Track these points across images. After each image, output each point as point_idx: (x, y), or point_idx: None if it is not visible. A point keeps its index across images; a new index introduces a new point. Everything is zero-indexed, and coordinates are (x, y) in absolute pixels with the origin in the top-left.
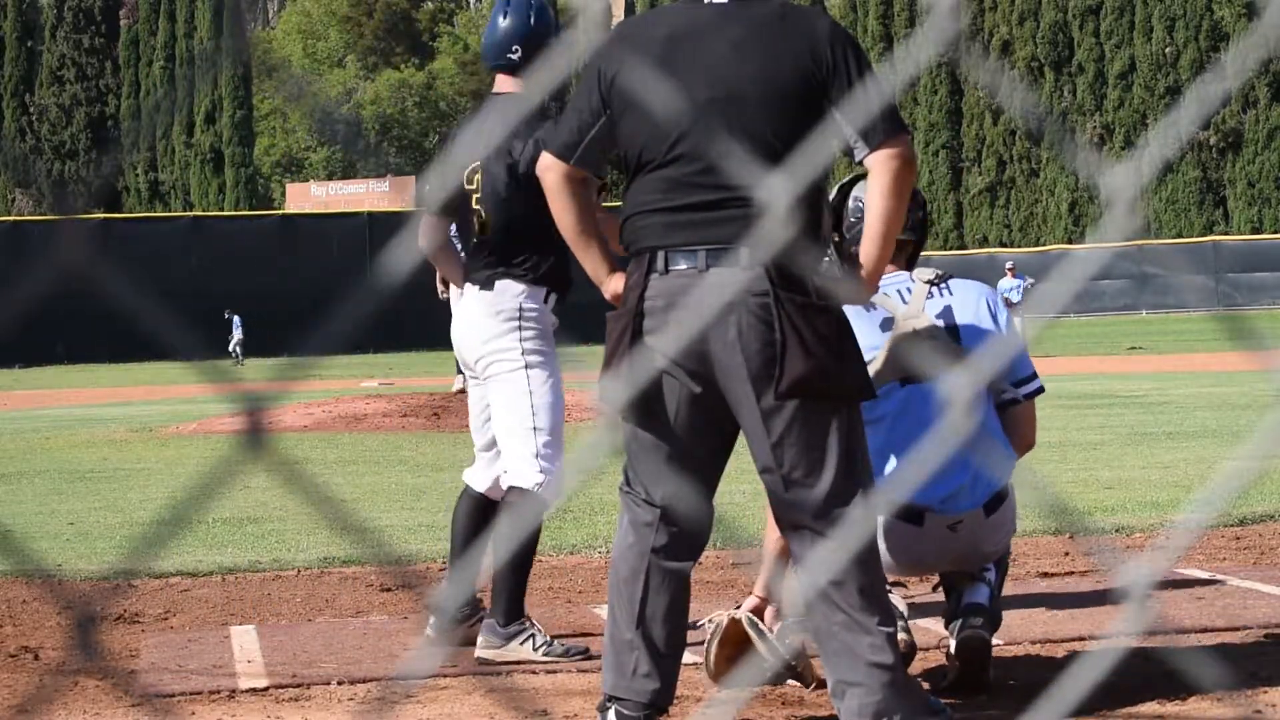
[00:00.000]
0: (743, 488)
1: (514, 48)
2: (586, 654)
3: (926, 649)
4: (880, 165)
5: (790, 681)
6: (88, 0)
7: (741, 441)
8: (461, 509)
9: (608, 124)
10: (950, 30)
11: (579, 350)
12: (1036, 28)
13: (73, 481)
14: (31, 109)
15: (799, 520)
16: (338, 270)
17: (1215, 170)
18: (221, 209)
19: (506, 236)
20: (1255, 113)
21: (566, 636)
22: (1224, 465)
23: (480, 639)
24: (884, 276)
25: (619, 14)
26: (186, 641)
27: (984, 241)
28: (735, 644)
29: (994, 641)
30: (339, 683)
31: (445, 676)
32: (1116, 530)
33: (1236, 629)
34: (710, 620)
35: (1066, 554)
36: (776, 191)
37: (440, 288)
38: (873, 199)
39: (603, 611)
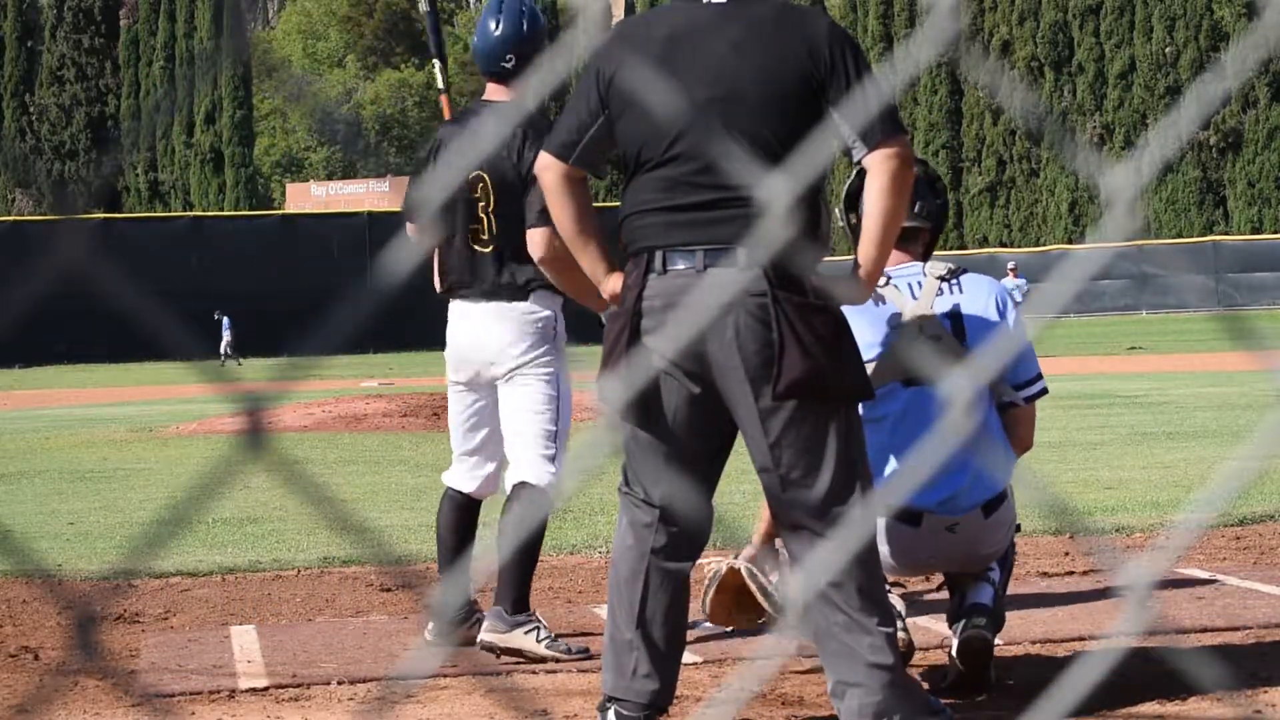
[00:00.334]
0: (743, 488)
1: (508, 56)
2: (586, 654)
3: (926, 649)
4: (879, 165)
5: (790, 679)
6: (88, 0)
7: (741, 441)
8: (446, 513)
9: (606, 123)
10: (950, 30)
11: (579, 350)
12: (1036, 28)
13: (73, 481)
14: (31, 109)
15: (798, 520)
16: (338, 270)
17: (1215, 170)
18: (221, 209)
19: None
20: (1255, 113)
21: (567, 636)
22: (1224, 465)
23: (485, 624)
24: (897, 267)
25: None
26: (186, 641)
27: (984, 241)
28: (732, 592)
29: (995, 641)
30: (339, 683)
31: (445, 676)
32: (1116, 530)
33: (1236, 629)
34: (709, 563)
35: (1066, 554)
36: (775, 191)
37: (439, 284)
38: (871, 199)
39: (603, 611)
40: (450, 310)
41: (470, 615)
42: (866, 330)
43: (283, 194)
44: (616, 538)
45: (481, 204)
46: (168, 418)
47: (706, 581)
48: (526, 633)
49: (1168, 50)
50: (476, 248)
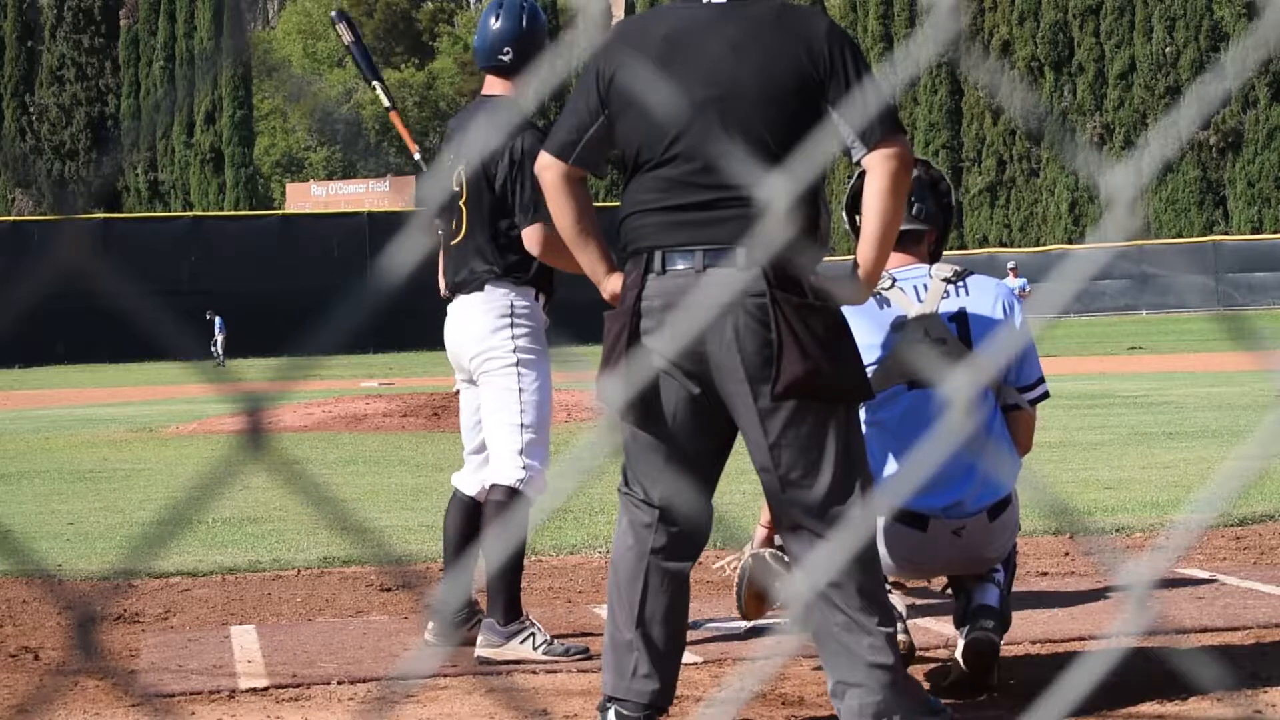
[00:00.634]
0: (743, 488)
1: (505, 49)
2: (586, 654)
3: (927, 649)
4: (878, 165)
5: (790, 679)
6: (88, 0)
7: (741, 441)
8: (452, 514)
9: (606, 123)
10: (950, 30)
11: (578, 350)
12: (1036, 28)
13: (73, 481)
14: (31, 109)
15: (797, 520)
16: (338, 270)
17: (1215, 170)
18: (221, 209)
19: (493, 239)
20: (1255, 113)
21: (566, 636)
22: (1224, 465)
23: (480, 638)
24: (902, 269)
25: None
26: (186, 641)
27: (984, 241)
28: (762, 580)
29: (1001, 643)
30: (339, 683)
31: (445, 676)
32: (1116, 530)
33: (1236, 629)
34: (729, 563)
35: (1066, 554)
36: (775, 192)
37: (443, 286)
38: (870, 199)
39: (603, 611)
40: None
41: (471, 616)
42: (872, 332)
43: (283, 194)
44: (616, 538)
45: (460, 199)
46: (168, 418)
47: (736, 582)
48: (522, 641)
49: (1168, 50)
50: (454, 243)
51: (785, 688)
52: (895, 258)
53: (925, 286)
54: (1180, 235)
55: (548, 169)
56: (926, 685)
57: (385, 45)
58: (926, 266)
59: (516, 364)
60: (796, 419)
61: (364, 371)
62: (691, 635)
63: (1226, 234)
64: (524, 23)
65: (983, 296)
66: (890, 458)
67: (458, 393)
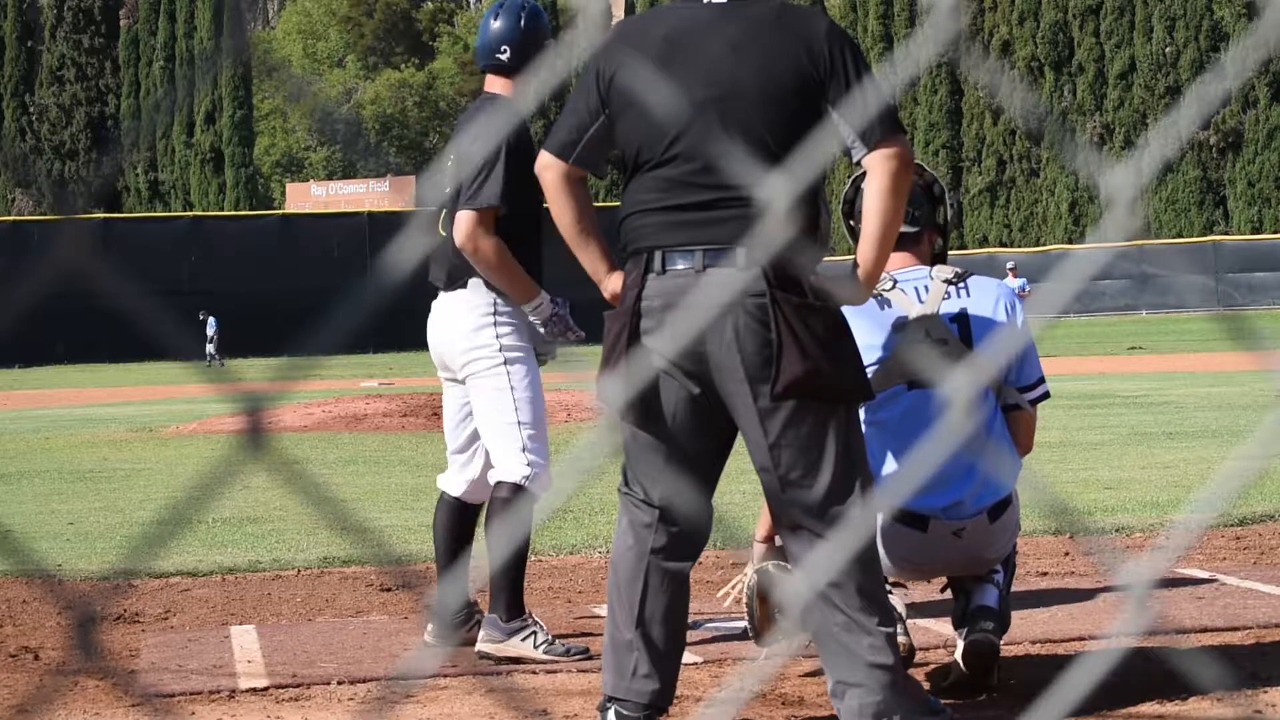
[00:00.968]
0: (743, 488)
1: (503, 48)
2: (586, 654)
3: (927, 649)
4: (878, 165)
5: (790, 679)
6: (87, 0)
7: (741, 441)
8: (440, 516)
9: (606, 123)
10: (950, 30)
11: (578, 350)
12: (1036, 28)
13: (73, 481)
14: (31, 109)
15: (797, 520)
16: (338, 270)
17: (1215, 170)
18: (221, 209)
19: None
20: (1255, 113)
21: (566, 636)
22: (1224, 465)
23: (482, 633)
24: (903, 271)
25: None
26: (186, 641)
27: (984, 241)
28: (772, 595)
29: (1001, 644)
30: (339, 683)
31: (445, 676)
32: (1116, 530)
33: (1236, 629)
34: (734, 586)
35: (1066, 554)
36: (775, 192)
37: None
38: (870, 199)
39: (603, 611)
40: None
41: (470, 617)
42: (873, 333)
43: (283, 194)
44: (616, 538)
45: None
46: (168, 418)
47: (746, 602)
48: (523, 639)
49: (1168, 50)
50: (439, 242)
51: (785, 688)
52: (896, 258)
53: (926, 287)
54: (1180, 235)
55: (548, 169)
56: (926, 685)
57: (385, 45)
58: (927, 268)
59: (504, 363)
60: (796, 419)
61: (364, 371)
62: (691, 635)
63: (1226, 234)
64: (522, 22)
65: (984, 297)
66: (890, 458)
67: None
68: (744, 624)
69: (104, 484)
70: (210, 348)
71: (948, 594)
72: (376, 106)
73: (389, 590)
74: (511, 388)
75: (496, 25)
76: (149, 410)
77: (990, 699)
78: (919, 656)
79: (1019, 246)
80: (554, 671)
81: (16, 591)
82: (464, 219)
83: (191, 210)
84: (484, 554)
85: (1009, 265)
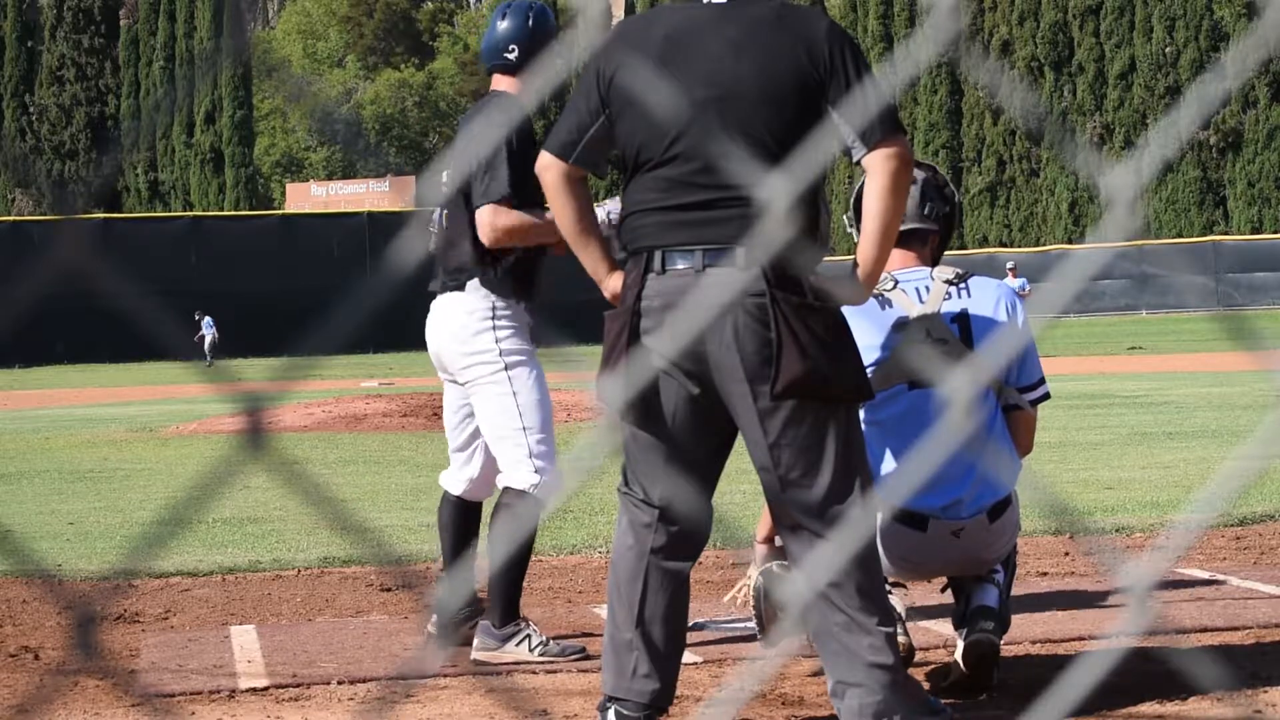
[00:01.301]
0: (743, 488)
1: (510, 47)
2: (583, 653)
3: (927, 649)
4: (878, 165)
5: (790, 679)
6: (87, 0)
7: (741, 441)
8: (444, 514)
9: (607, 123)
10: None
11: (578, 350)
12: (1036, 28)
13: (73, 481)
14: (31, 109)
15: (797, 520)
16: (338, 270)
17: (1215, 170)
18: (221, 209)
19: (472, 240)
20: (1255, 113)
21: (566, 636)
22: (1224, 465)
23: (476, 641)
24: (904, 271)
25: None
26: (186, 641)
27: (984, 241)
28: (779, 595)
29: (1001, 644)
30: (339, 683)
31: (445, 676)
32: (1116, 530)
33: (1236, 629)
34: (740, 589)
35: (1066, 554)
36: (775, 192)
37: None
38: (870, 199)
39: (603, 611)
40: None
41: (474, 614)
42: (873, 333)
43: (283, 194)
44: (616, 538)
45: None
46: (168, 418)
47: (753, 605)
48: (517, 644)
49: (1168, 50)
50: (438, 243)
51: (785, 688)
52: (898, 258)
53: (927, 288)
54: (1180, 235)
55: (548, 169)
56: (926, 685)
57: (385, 45)
58: (928, 269)
59: (505, 368)
60: (796, 418)
61: (364, 371)
62: (691, 635)
63: (1226, 234)
64: (530, 22)
65: (984, 297)
66: (890, 457)
67: None
68: (751, 625)
69: (104, 484)
70: (204, 347)
71: (948, 594)
72: (376, 106)
73: (389, 590)
74: (515, 393)
75: (504, 25)
76: (149, 410)
77: (990, 699)
78: (919, 656)
79: (1019, 246)
80: (554, 671)
81: (16, 591)
82: (482, 216)
83: (191, 210)
84: (481, 558)
85: (1009, 265)
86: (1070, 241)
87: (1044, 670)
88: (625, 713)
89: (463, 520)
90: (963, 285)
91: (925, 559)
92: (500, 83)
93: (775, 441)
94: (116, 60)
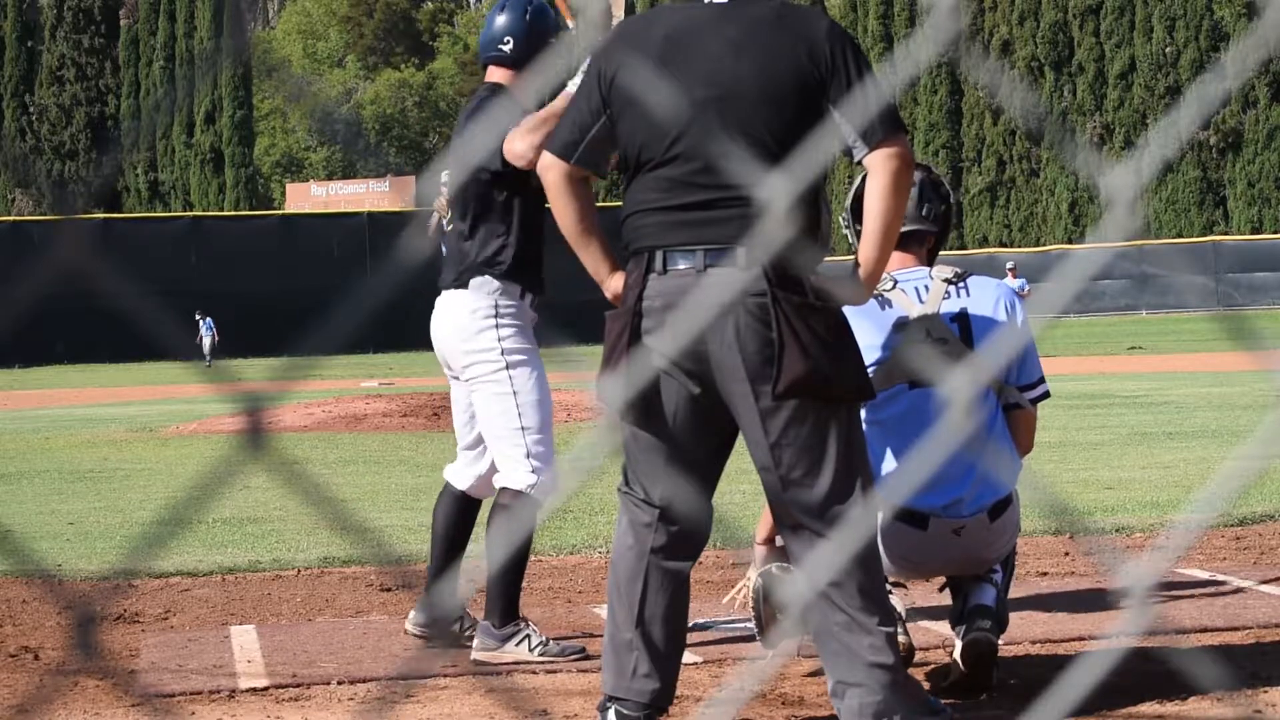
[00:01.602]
0: (743, 488)
1: (506, 39)
2: (583, 653)
3: (927, 649)
4: (879, 165)
5: (790, 679)
6: (88, 0)
7: (741, 441)
8: (442, 507)
9: (608, 123)
10: (950, 30)
11: (578, 350)
12: (1036, 28)
13: (73, 481)
14: (31, 109)
15: (798, 520)
16: (338, 270)
17: (1215, 170)
18: (221, 209)
19: (474, 231)
20: (1255, 113)
21: (566, 637)
22: (1224, 465)
23: (475, 641)
24: (903, 271)
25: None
26: (186, 641)
27: (984, 241)
28: (778, 596)
29: (999, 643)
30: (339, 683)
31: (445, 676)
32: (1116, 530)
33: (1236, 629)
34: (739, 591)
35: (1066, 554)
36: (775, 191)
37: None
38: (871, 199)
39: (603, 611)
40: None
41: (461, 620)
42: (873, 333)
43: (283, 194)
44: (616, 537)
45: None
46: (168, 418)
47: (753, 608)
48: (517, 644)
49: (1168, 50)
50: (442, 240)
51: (785, 688)
52: (896, 259)
53: (926, 288)
54: (1180, 235)
55: (550, 169)
56: (926, 685)
57: (385, 45)
58: (927, 268)
59: (506, 366)
60: (797, 418)
61: (364, 371)
62: (691, 635)
63: (1226, 234)
64: (528, 16)
65: (984, 297)
66: (891, 457)
67: None
68: (752, 625)
69: (104, 484)
70: (203, 348)
71: (947, 594)
72: (376, 106)
73: (389, 590)
74: (515, 392)
75: (501, 19)
76: (149, 410)
77: (990, 699)
78: (919, 656)
79: (1019, 246)
80: (554, 671)
81: (16, 591)
82: (512, 148)
83: (191, 210)
84: (483, 556)
85: (1008, 265)
86: (1070, 241)
87: (1044, 670)
88: (625, 713)
89: (460, 517)
90: (962, 285)
91: (926, 558)
92: (495, 74)
93: (777, 441)
94: (116, 60)
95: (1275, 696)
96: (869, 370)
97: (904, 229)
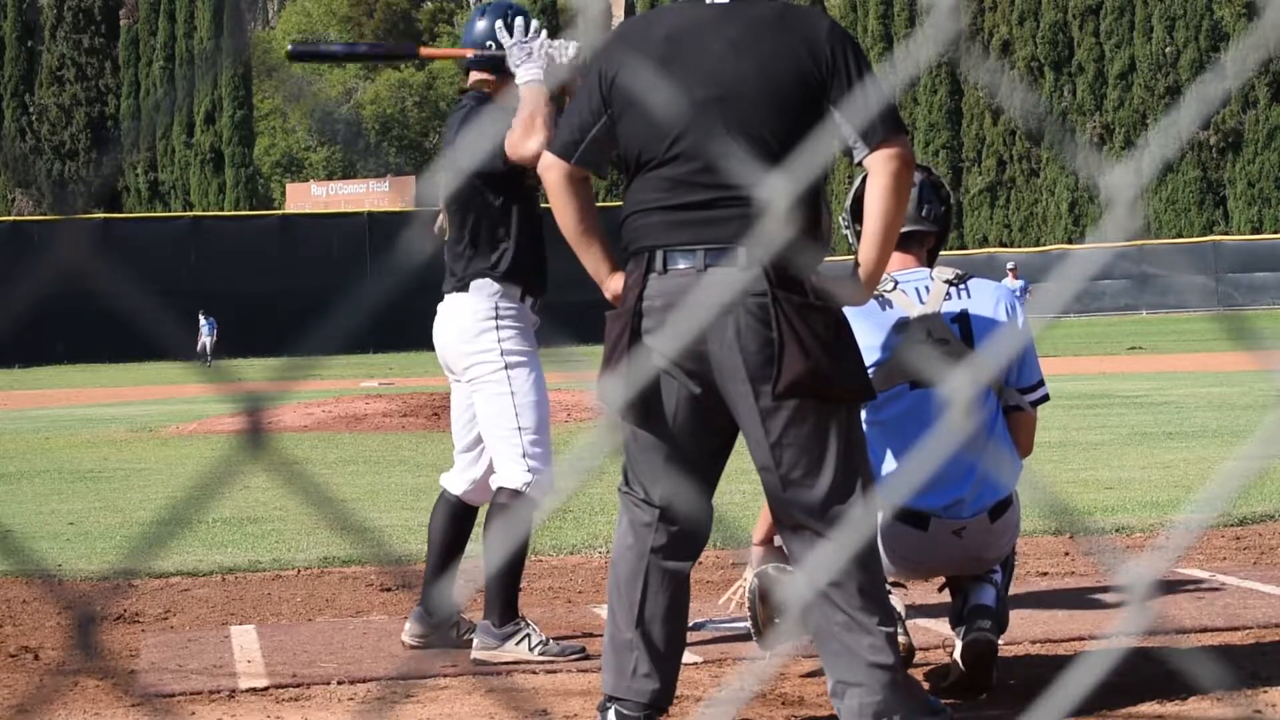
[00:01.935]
0: (743, 488)
1: (488, 44)
2: (583, 653)
3: (927, 649)
4: (879, 165)
5: (790, 679)
6: (88, 0)
7: (741, 441)
8: (438, 514)
9: (609, 123)
10: (950, 30)
11: (578, 350)
12: (1036, 28)
13: (73, 481)
14: (31, 109)
15: (798, 520)
16: (338, 270)
17: (1215, 170)
18: (221, 209)
19: (473, 236)
20: (1255, 113)
21: (566, 637)
22: (1224, 465)
23: (475, 640)
24: (903, 272)
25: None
26: (186, 641)
27: (984, 241)
28: (774, 596)
29: (999, 643)
30: (339, 683)
31: (445, 676)
32: (1116, 530)
33: (1236, 629)
34: (735, 591)
35: (1066, 554)
36: (776, 191)
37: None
38: (872, 200)
39: (603, 611)
40: None
41: (458, 624)
42: (874, 333)
43: (283, 194)
44: (616, 537)
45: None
46: (168, 418)
47: (749, 608)
48: (517, 643)
49: (1168, 50)
50: (443, 240)
51: (785, 688)
52: (897, 259)
53: (926, 288)
54: (1180, 235)
55: (550, 169)
56: (926, 685)
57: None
58: (927, 269)
59: (505, 367)
60: (798, 418)
61: (364, 371)
62: (691, 635)
63: (1226, 234)
64: (509, 20)
65: (984, 298)
66: (891, 457)
67: None
68: (747, 625)
69: (104, 484)
70: (204, 348)
71: (947, 594)
72: (376, 106)
73: (389, 590)
74: (513, 393)
75: (482, 24)
76: (149, 410)
77: (990, 699)
78: (919, 656)
79: (1019, 246)
80: (554, 671)
81: (16, 591)
82: (513, 149)
83: (191, 210)
84: (481, 557)
85: (1009, 266)
86: (1070, 241)
87: (1044, 670)
88: (625, 712)
89: (456, 524)
90: (962, 286)
91: (926, 558)
92: (477, 79)
93: (777, 441)
94: (116, 60)
95: (1275, 696)
96: (869, 371)
97: (904, 230)
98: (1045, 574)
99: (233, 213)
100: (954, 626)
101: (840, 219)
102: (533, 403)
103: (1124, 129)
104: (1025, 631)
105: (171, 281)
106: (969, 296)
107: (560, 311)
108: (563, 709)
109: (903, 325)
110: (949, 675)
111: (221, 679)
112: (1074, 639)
